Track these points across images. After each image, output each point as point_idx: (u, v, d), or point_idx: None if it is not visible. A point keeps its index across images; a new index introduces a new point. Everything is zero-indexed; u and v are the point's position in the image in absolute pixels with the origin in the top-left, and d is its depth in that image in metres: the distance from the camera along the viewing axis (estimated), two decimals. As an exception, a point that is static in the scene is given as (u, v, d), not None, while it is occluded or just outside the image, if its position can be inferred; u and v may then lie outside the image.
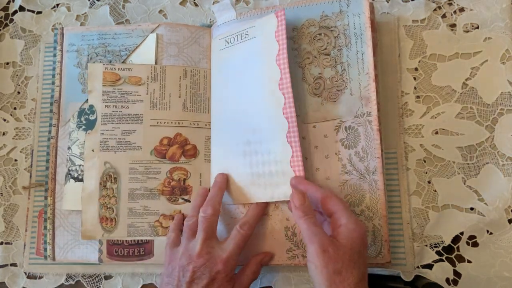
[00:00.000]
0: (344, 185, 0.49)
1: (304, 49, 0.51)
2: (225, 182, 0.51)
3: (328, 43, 0.50)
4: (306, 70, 0.51)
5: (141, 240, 0.53)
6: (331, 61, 0.50)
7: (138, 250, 0.54)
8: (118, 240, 0.54)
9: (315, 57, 0.51)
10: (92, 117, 0.55)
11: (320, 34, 0.51)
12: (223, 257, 0.44)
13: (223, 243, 0.46)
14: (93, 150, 0.54)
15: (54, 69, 0.58)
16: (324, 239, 0.40)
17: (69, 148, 0.56)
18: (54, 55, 0.59)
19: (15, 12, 0.64)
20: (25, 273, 0.57)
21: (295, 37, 0.52)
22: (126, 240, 0.54)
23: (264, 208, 0.50)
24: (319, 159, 0.50)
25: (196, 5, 0.61)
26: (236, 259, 0.45)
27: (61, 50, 0.58)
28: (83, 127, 0.55)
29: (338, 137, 0.49)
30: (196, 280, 0.43)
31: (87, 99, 0.55)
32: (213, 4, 0.61)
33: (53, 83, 0.58)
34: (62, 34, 0.59)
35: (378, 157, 0.48)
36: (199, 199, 0.50)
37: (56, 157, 0.57)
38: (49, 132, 0.57)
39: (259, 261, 0.49)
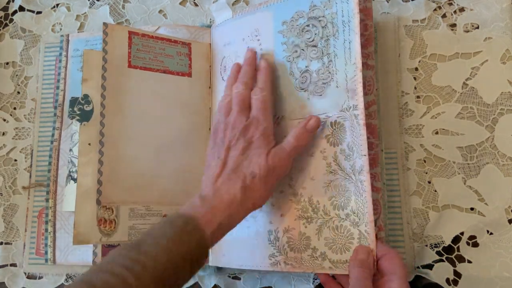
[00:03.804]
0: (329, 186, 0.46)
1: (293, 43, 0.50)
2: (254, 57, 0.51)
3: (315, 34, 0.48)
4: (294, 64, 0.49)
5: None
6: (318, 52, 0.48)
7: (137, 251, 0.53)
8: (115, 241, 0.52)
9: (302, 49, 0.49)
10: (87, 108, 0.51)
11: (308, 26, 0.49)
12: (253, 122, 0.46)
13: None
14: (89, 144, 0.50)
15: (59, 73, 0.59)
16: None
17: (70, 150, 0.56)
18: (60, 60, 0.59)
19: (15, 12, 0.64)
20: (25, 273, 0.57)
21: (284, 31, 0.50)
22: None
23: (270, 67, 0.50)
24: (304, 158, 0.47)
25: (196, 5, 0.61)
26: (266, 119, 0.46)
27: (66, 56, 0.60)
28: (77, 117, 0.52)
29: (324, 133, 0.47)
30: (233, 147, 0.45)
31: None
32: (212, 3, 0.61)
33: (58, 87, 0.59)
34: (68, 40, 0.60)
35: (365, 155, 0.44)
36: (232, 77, 0.50)
37: (58, 160, 0.57)
38: (52, 135, 0.57)
39: (302, 125, 0.46)
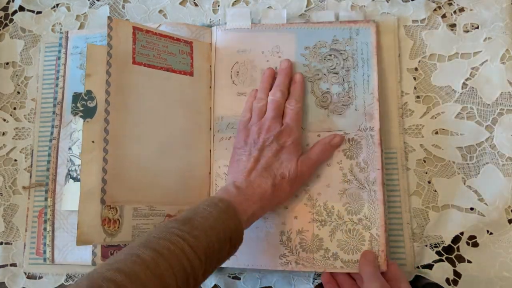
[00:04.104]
0: (344, 193, 0.50)
1: (314, 67, 0.54)
2: (291, 67, 0.54)
3: (337, 63, 0.53)
4: (315, 84, 0.53)
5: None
6: (339, 79, 0.53)
7: (137, 251, 0.53)
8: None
9: (324, 74, 0.53)
10: (91, 104, 0.49)
11: (330, 55, 0.54)
12: (286, 130, 0.49)
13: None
14: (93, 142, 0.49)
15: (58, 71, 0.59)
16: (386, 284, 0.44)
17: (69, 148, 0.56)
18: (59, 58, 0.59)
19: (15, 12, 0.64)
20: (25, 273, 0.57)
21: (306, 55, 0.54)
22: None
23: (303, 78, 0.53)
24: (321, 167, 0.51)
25: (196, 5, 0.61)
26: (298, 129, 0.50)
27: (65, 53, 0.59)
28: (80, 114, 0.50)
29: (341, 147, 0.51)
30: (267, 148, 0.48)
31: None
32: (213, 4, 0.61)
33: (57, 85, 0.58)
34: (67, 37, 0.59)
35: (378, 169, 0.50)
36: (267, 81, 0.53)
37: (57, 158, 0.56)
38: (51, 133, 0.57)
39: (327, 141, 0.51)
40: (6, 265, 0.58)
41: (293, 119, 0.50)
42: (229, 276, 0.54)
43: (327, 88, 0.53)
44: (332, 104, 0.53)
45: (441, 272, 0.50)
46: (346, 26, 0.54)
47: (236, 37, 0.56)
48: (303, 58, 0.54)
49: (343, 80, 0.53)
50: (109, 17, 0.50)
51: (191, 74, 0.55)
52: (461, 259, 0.51)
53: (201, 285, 0.54)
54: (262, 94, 0.52)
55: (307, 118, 0.53)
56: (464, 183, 0.52)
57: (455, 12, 0.55)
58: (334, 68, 0.53)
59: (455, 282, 0.50)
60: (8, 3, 0.65)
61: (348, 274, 0.49)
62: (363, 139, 0.51)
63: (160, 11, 0.62)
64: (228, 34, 0.56)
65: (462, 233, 0.51)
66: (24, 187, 0.59)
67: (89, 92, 0.50)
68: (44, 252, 0.55)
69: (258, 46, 0.56)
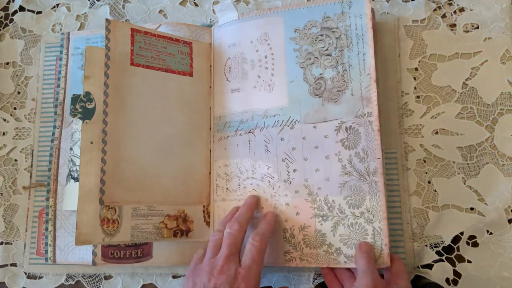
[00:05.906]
0: (344, 186, 0.49)
1: (306, 50, 0.51)
2: (255, 203, 0.50)
3: (329, 44, 0.50)
4: (307, 70, 0.51)
5: (141, 240, 0.52)
6: (332, 61, 0.50)
7: (136, 251, 0.53)
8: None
9: (316, 57, 0.51)
10: (89, 106, 0.50)
11: (321, 35, 0.51)
12: (243, 273, 0.43)
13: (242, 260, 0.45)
14: (91, 142, 0.49)
15: (59, 71, 0.59)
16: (378, 279, 0.43)
17: (70, 149, 0.56)
18: (60, 58, 0.59)
19: (15, 12, 0.64)
20: (25, 273, 0.57)
21: (296, 38, 0.52)
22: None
23: (276, 219, 0.49)
24: (319, 160, 0.50)
25: (196, 5, 0.61)
26: (258, 273, 0.44)
27: (67, 54, 0.59)
28: (79, 115, 0.50)
29: (339, 137, 0.49)
30: None
31: None
32: (213, 4, 0.61)
33: (58, 85, 0.58)
34: (68, 38, 0.60)
35: (379, 158, 0.48)
36: (229, 216, 0.49)
37: (58, 158, 0.57)
38: (53, 134, 0.57)
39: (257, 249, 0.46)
40: (6, 265, 0.58)
41: (255, 259, 0.44)
42: (229, 276, 0.54)
43: (320, 73, 0.50)
44: (327, 91, 0.50)
45: (441, 272, 0.50)
46: (337, 0, 0.51)
47: (227, 32, 0.56)
48: (293, 42, 0.52)
49: (337, 62, 0.50)
50: (107, 20, 0.51)
51: (190, 74, 0.55)
52: (461, 259, 0.51)
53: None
54: (220, 226, 0.48)
55: (300, 109, 0.51)
56: (464, 183, 0.52)
57: (455, 12, 0.55)
58: (327, 50, 0.50)
59: (455, 282, 0.50)
60: (8, 3, 0.65)
61: None
62: (361, 126, 0.48)
63: (160, 11, 0.62)
64: (221, 30, 0.56)
65: (462, 233, 0.51)
66: (24, 187, 0.59)
67: (87, 94, 0.50)
68: (46, 252, 0.55)
69: (246, 37, 0.54)
